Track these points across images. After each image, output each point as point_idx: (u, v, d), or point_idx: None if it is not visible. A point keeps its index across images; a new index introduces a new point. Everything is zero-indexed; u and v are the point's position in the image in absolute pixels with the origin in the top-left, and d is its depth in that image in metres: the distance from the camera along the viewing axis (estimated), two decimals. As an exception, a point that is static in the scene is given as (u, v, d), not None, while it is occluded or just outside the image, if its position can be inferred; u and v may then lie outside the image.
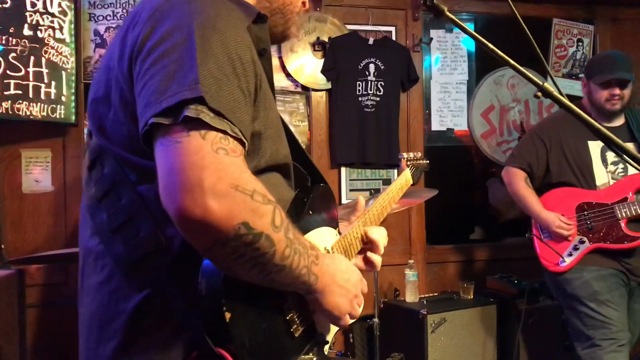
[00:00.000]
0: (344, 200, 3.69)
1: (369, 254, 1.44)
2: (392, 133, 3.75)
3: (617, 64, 3.00)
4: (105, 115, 1.10)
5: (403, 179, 1.78)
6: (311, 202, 1.25)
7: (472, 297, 3.57)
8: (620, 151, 1.27)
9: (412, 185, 1.84)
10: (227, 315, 0.98)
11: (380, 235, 1.45)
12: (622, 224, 2.96)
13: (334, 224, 1.35)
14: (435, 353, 3.26)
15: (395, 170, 3.82)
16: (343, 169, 3.72)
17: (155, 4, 1.06)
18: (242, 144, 0.99)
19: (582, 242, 3.00)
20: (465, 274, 3.95)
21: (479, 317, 3.45)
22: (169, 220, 0.95)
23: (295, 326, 1.12)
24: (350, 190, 3.72)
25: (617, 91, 2.99)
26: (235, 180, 0.93)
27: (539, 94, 1.12)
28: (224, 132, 0.96)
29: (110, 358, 1.07)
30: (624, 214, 2.95)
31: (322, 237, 1.28)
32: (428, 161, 1.96)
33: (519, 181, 3.14)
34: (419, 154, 1.93)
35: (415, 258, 3.77)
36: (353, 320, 1.22)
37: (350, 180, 3.74)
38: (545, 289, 3.49)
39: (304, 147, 3.64)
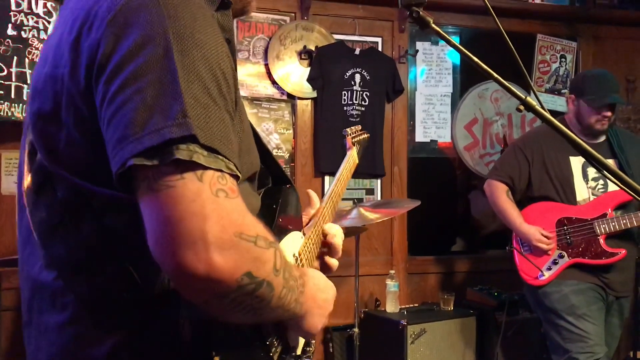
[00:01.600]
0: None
1: (327, 258, 1.38)
2: (377, 143, 3.76)
3: (611, 87, 3.04)
4: (56, 136, 0.92)
5: (351, 160, 1.69)
6: (280, 209, 1.19)
7: (452, 308, 3.58)
8: (600, 167, 1.29)
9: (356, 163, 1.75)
10: (217, 359, 0.91)
11: (339, 238, 1.39)
12: (601, 240, 2.99)
13: (299, 226, 1.30)
14: (414, 364, 3.26)
15: (379, 180, 3.83)
16: (327, 178, 3.73)
17: (114, 3, 0.86)
18: (237, 178, 0.87)
19: (561, 256, 3.03)
20: (445, 285, 3.96)
21: (458, 328, 3.46)
22: (143, 256, 0.83)
23: (274, 349, 1.08)
24: (334, 199, 3.72)
25: (608, 114, 3.02)
26: (239, 228, 0.83)
27: (521, 107, 1.13)
28: (220, 170, 0.83)
29: None
30: (602, 230, 2.99)
31: (290, 244, 1.23)
32: (368, 135, 1.86)
33: (500, 194, 3.17)
34: (359, 127, 1.82)
35: (397, 268, 3.78)
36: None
37: (333, 189, 3.74)
38: (524, 301, 3.51)
39: (287, 154, 3.66)
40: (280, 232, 1.19)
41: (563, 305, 2.98)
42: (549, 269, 3.03)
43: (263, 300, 0.88)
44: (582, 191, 3.08)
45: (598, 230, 2.99)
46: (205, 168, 0.81)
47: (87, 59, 0.86)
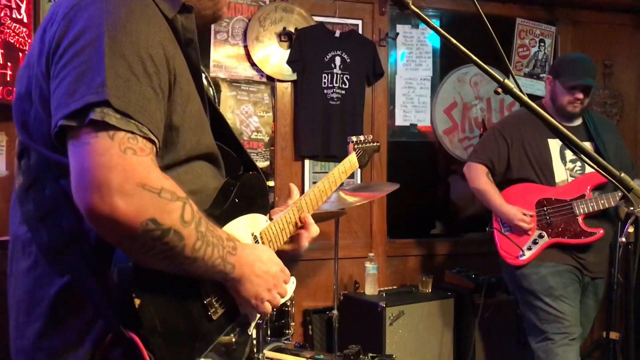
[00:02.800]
0: (306, 193, 3.68)
1: (300, 237, 1.47)
2: (357, 127, 3.75)
3: (586, 70, 3.08)
4: (28, 113, 1.14)
5: (347, 163, 1.79)
6: (238, 190, 1.29)
7: (430, 290, 3.61)
8: (576, 149, 1.30)
9: (359, 168, 1.86)
10: (137, 301, 1.04)
11: (313, 229, 1.48)
12: (580, 220, 3.05)
13: (264, 210, 1.38)
14: (392, 345, 3.30)
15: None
16: (307, 161, 3.72)
17: (71, 2, 1.08)
18: (152, 141, 1.04)
19: (541, 236, 3.08)
20: (424, 267, 3.99)
21: (436, 310, 3.50)
22: None
23: (213, 309, 1.18)
24: (314, 182, 3.72)
25: (580, 96, 3.07)
26: (143, 179, 0.99)
27: (499, 90, 1.14)
28: (132, 132, 1.00)
29: (34, 339, 1.14)
30: (581, 210, 3.04)
31: (249, 223, 1.31)
32: (378, 143, 1.96)
33: (481, 176, 3.20)
34: (370, 137, 1.92)
35: (376, 251, 3.80)
36: (275, 307, 1.28)
37: (313, 172, 3.74)
38: (501, 284, 3.56)
39: (267, 138, 3.64)
40: (237, 211, 1.28)
41: (541, 287, 3.03)
42: (530, 248, 3.07)
43: (174, 247, 1.03)
44: (561, 173, 3.13)
45: (577, 211, 3.04)
46: (118, 129, 0.99)
47: (47, 47, 1.09)
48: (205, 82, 1.30)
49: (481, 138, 3.55)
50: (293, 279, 1.37)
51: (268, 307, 1.24)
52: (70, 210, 1.08)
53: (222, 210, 1.24)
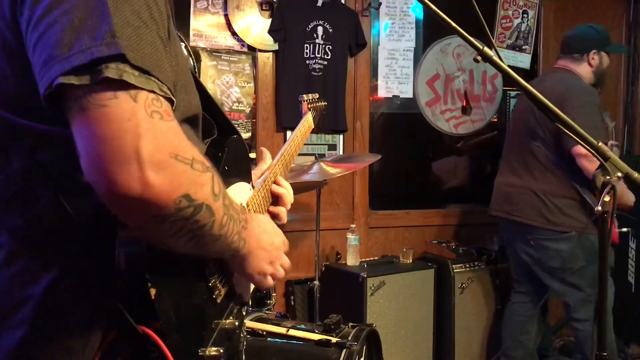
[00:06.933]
0: (288, 164, 3.67)
1: (271, 208, 1.39)
2: (339, 98, 3.73)
3: None
4: None
5: (306, 124, 1.74)
6: (227, 157, 1.18)
7: (411, 261, 3.65)
8: (553, 117, 1.30)
9: (312, 130, 1.80)
10: (153, 291, 0.89)
11: (286, 190, 1.42)
12: None
13: (248, 178, 1.30)
14: (373, 315, 3.33)
15: (342, 136, 3.82)
16: (289, 133, 3.69)
17: None
18: (172, 102, 0.87)
19: None
20: (405, 238, 4.03)
21: (417, 280, 3.54)
22: (78, 190, 0.84)
23: (217, 291, 1.09)
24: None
25: None
26: (175, 149, 0.82)
27: (479, 58, 1.13)
28: (153, 91, 0.83)
29: (15, 350, 0.91)
30: None
31: (238, 193, 1.24)
32: (325, 103, 1.90)
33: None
34: (317, 96, 1.86)
35: (358, 222, 3.82)
36: (274, 282, 1.20)
37: (295, 144, 3.72)
38: (481, 254, 3.61)
39: (248, 109, 3.61)
40: (227, 181, 1.18)
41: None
42: None
43: (204, 225, 0.88)
44: None
45: None
46: (137, 88, 0.81)
47: None
48: (185, 51, 1.21)
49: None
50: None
51: (270, 282, 1.16)
52: (49, 187, 0.90)
53: None
